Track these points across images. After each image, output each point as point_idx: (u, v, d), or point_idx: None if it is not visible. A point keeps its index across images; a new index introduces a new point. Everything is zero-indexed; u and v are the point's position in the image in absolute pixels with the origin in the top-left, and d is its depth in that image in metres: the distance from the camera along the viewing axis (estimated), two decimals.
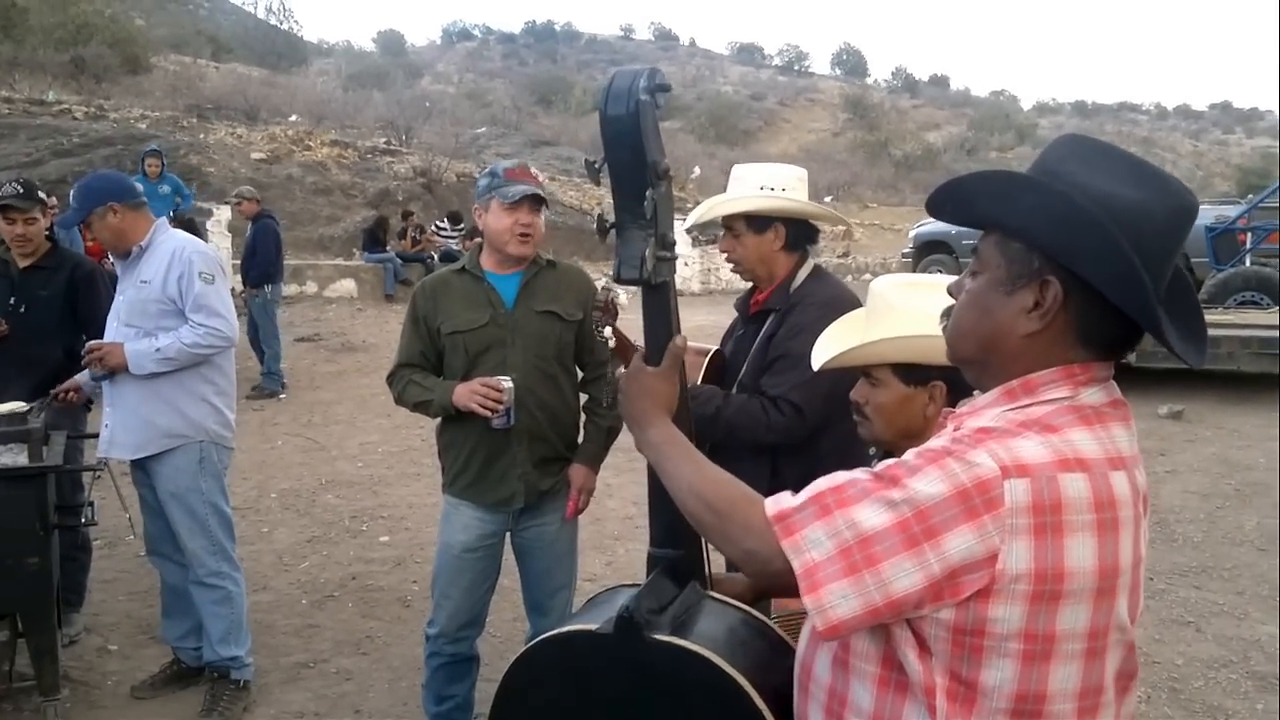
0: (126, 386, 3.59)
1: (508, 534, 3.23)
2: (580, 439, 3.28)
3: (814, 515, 1.24)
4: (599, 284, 2.38)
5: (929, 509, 1.18)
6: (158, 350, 3.52)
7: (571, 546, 3.31)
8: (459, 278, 3.15)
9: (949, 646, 1.23)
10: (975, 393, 1.41)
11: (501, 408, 2.97)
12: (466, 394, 2.98)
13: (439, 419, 3.20)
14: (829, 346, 2.03)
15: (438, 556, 3.26)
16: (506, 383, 2.98)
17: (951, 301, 1.40)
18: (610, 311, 2.29)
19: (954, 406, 1.90)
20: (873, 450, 2.08)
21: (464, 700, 3.31)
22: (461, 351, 3.08)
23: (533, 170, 3.10)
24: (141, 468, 3.72)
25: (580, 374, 3.28)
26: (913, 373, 1.90)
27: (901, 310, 1.90)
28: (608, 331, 2.29)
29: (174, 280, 3.57)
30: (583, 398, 3.29)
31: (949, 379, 1.88)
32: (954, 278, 1.43)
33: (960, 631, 1.22)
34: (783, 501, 1.28)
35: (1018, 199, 1.28)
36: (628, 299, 2.27)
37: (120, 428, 3.64)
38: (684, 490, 1.42)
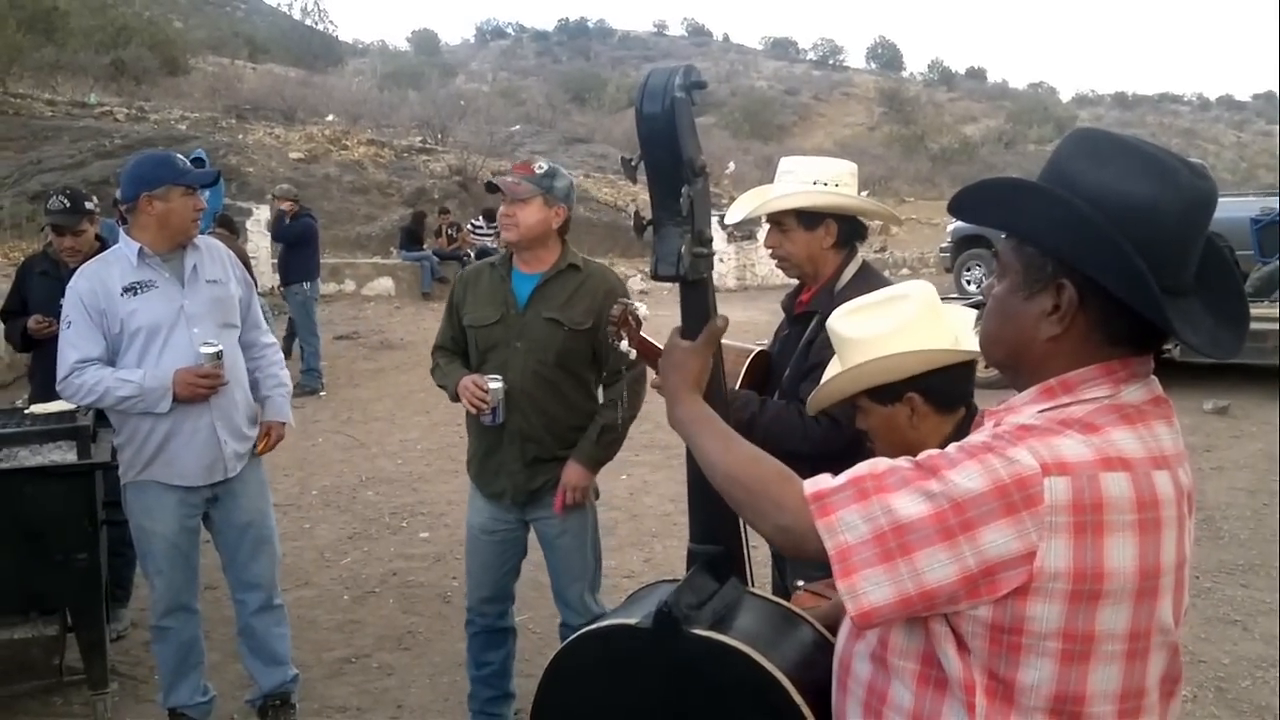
0: (230, 397, 3.27)
1: (530, 522, 3.31)
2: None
3: (851, 498, 1.24)
4: (617, 304, 2.30)
5: (966, 502, 1.18)
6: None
7: (581, 542, 3.29)
8: (491, 273, 3.24)
9: (986, 644, 1.23)
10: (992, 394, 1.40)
11: (487, 407, 3.03)
12: (460, 388, 3.10)
13: None
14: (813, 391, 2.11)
15: (466, 532, 3.41)
16: (494, 383, 3.04)
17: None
18: (628, 324, 2.26)
19: (939, 410, 1.92)
20: None
21: (500, 668, 3.43)
22: (474, 345, 3.21)
23: (535, 165, 3.10)
24: (202, 496, 3.31)
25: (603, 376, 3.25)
26: (883, 393, 1.94)
27: (850, 340, 1.96)
28: (624, 345, 2.27)
29: (239, 283, 3.42)
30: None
31: (922, 389, 1.90)
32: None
33: (998, 629, 1.21)
34: (821, 482, 1.29)
35: (1023, 205, 1.29)
36: (648, 311, 2.24)
37: (233, 440, 3.29)
38: (714, 467, 1.43)
